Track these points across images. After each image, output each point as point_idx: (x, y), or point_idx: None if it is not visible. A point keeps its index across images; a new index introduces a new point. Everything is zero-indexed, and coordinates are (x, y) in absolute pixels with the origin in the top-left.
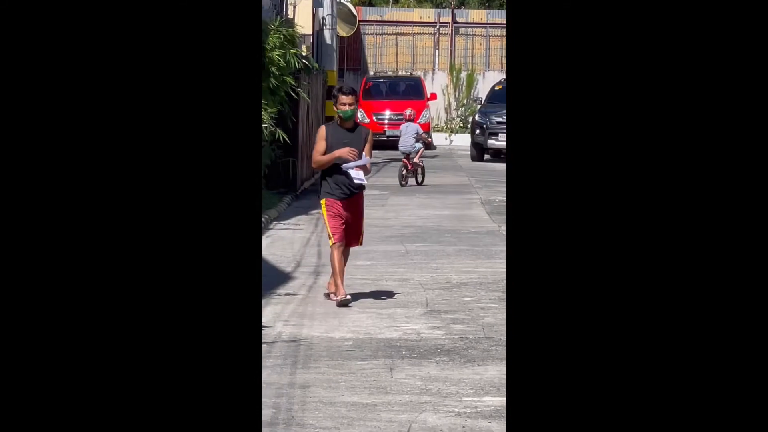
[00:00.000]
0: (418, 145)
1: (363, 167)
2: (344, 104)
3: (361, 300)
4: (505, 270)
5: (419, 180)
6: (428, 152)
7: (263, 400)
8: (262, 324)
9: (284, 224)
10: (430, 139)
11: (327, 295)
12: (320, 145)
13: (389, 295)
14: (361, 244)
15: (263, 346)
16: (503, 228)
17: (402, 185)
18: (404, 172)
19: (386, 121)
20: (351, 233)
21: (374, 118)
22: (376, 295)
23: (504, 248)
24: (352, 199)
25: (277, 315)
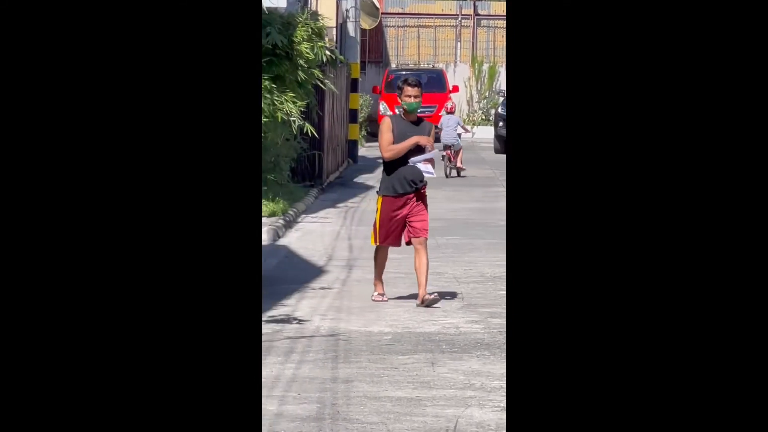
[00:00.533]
0: (458, 141)
1: (430, 160)
2: (409, 96)
3: (396, 294)
4: None
5: (459, 172)
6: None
7: (307, 394)
8: (300, 318)
9: (312, 217)
10: (469, 131)
11: (427, 303)
12: (388, 135)
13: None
14: (426, 236)
15: (303, 340)
16: None
17: (447, 176)
18: (448, 164)
19: None
20: (415, 227)
21: (397, 110)
22: (412, 288)
23: None
24: (417, 193)
25: (313, 309)
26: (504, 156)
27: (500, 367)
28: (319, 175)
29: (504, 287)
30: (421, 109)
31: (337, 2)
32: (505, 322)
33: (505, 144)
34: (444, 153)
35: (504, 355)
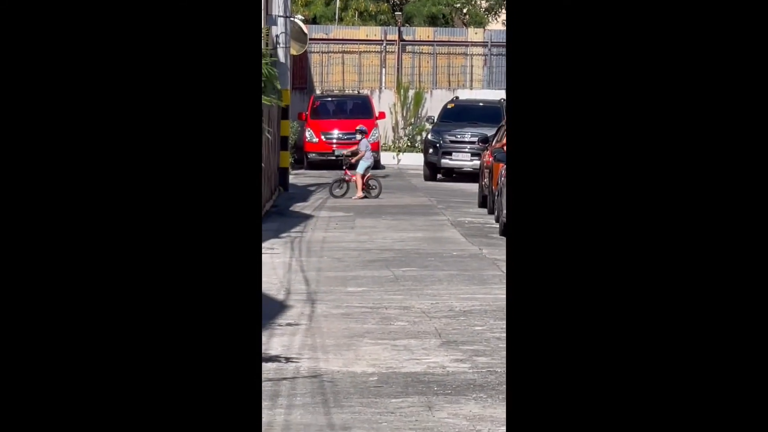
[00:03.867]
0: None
1: None
2: None
3: (368, 330)
4: (504, 297)
5: (374, 194)
6: (378, 171)
7: None
8: (276, 357)
9: None
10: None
11: None
12: None
13: (395, 324)
14: None
15: (285, 382)
16: (485, 251)
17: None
18: (365, 187)
19: (335, 141)
20: None
21: (323, 137)
22: (381, 323)
23: (496, 273)
24: None
25: (286, 347)
26: (434, 183)
27: (501, 411)
28: None
29: (478, 323)
30: (348, 136)
31: (266, 28)
32: (492, 361)
33: (434, 171)
34: (360, 176)
35: (500, 397)
